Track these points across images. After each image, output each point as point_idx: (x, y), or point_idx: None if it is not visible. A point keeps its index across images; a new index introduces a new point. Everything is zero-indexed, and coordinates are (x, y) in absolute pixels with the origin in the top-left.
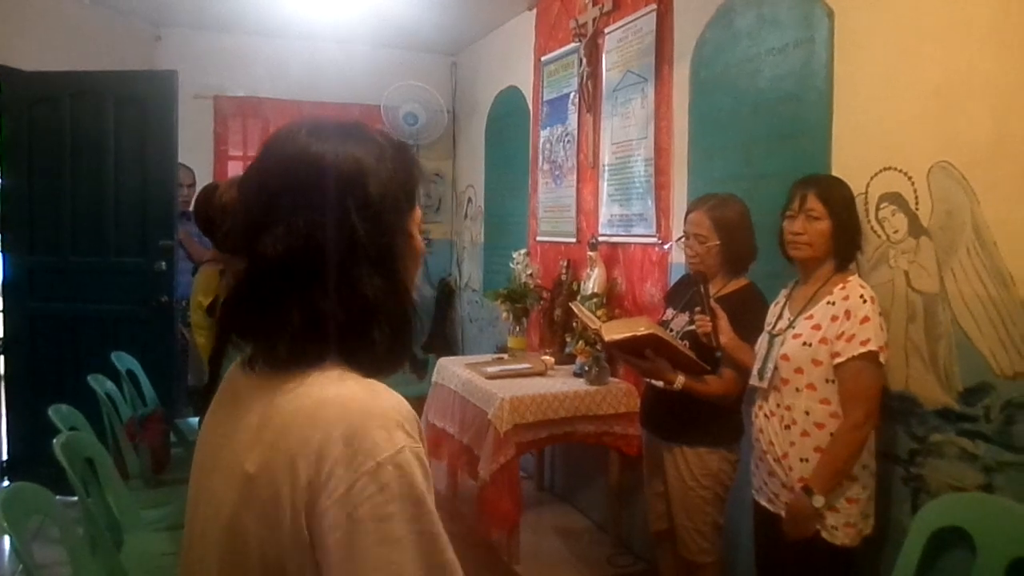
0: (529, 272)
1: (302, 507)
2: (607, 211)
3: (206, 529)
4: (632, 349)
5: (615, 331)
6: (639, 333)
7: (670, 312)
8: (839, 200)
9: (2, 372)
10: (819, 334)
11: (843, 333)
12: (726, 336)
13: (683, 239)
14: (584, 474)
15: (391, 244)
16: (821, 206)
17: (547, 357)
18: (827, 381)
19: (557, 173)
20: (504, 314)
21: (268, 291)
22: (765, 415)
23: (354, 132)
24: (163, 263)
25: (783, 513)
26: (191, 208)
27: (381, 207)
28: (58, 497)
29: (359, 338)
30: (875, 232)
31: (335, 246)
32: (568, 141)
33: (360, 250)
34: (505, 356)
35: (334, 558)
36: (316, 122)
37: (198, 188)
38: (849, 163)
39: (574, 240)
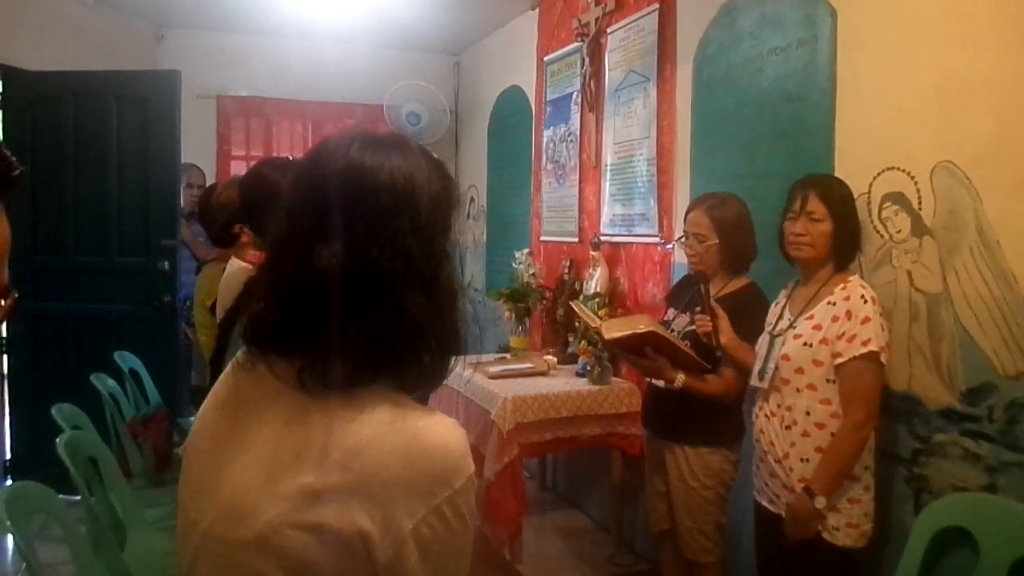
0: (532, 272)
1: (373, 530)
2: (609, 211)
3: (212, 539)
4: (632, 347)
5: (615, 329)
6: (639, 331)
7: (671, 312)
8: (840, 201)
9: (6, 371)
10: (820, 334)
11: (844, 333)
12: (726, 336)
13: (683, 238)
14: (586, 474)
15: (440, 266)
16: (823, 207)
17: (550, 357)
18: (828, 381)
19: (560, 173)
20: (507, 314)
21: (323, 307)
22: (766, 416)
23: (403, 148)
24: (166, 263)
25: (784, 514)
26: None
27: (433, 230)
28: (61, 496)
29: (411, 359)
30: (878, 232)
31: (392, 266)
32: (571, 141)
33: (413, 271)
34: (508, 356)
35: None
36: (366, 136)
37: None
38: (852, 163)
39: (577, 240)
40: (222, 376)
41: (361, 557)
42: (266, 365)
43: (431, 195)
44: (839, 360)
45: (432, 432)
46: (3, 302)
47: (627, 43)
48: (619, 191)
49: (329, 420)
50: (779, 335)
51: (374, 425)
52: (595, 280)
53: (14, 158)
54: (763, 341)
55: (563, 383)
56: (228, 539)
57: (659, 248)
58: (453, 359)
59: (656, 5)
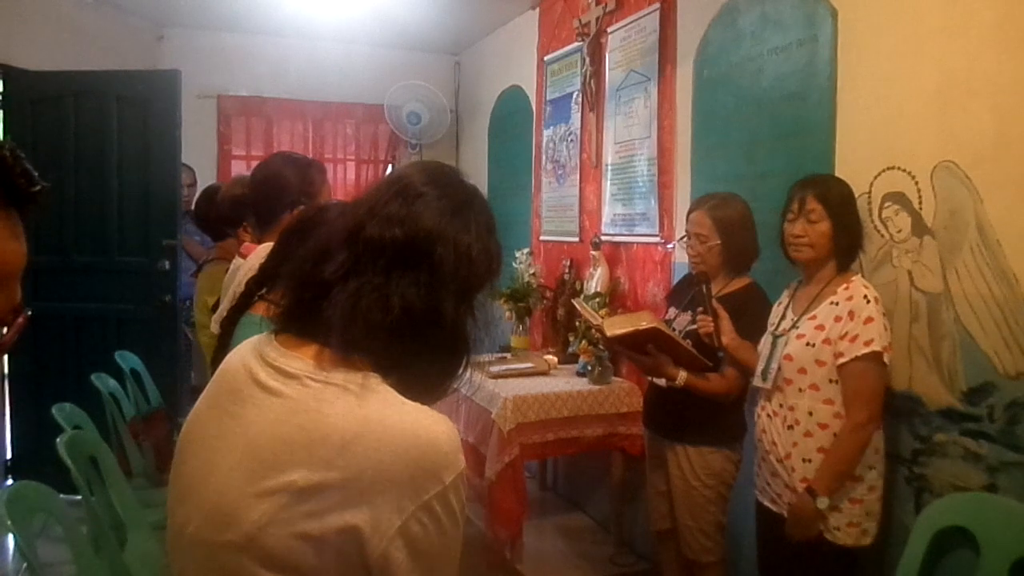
0: (532, 271)
1: (362, 527)
2: (610, 210)
3: (199, 543)
4: (634, 344)
5: (617, 326)
6: (642, 327)
7: (673, 312)
8: (838, 200)
9: (6, 371)
10: (823, 334)
11: (847, 333)
12: (728, 336)
13: (685, 239)
14: (587, 474)
15: (465, 324)
16: (821, 207)
17: (550, 356)
18: (830, 381)
19: (560, 172)
20: (507, 313)
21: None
22: (768, 415)
23: (469, 210)
24: (166, 263)
25: (786, 514)
26: (192, 209)
27: (469, 294)
28: (62, 496)
29: (415, 364)
30: (879, 232)
31: (422, 319)
32: (571, 140)
33: (444, 323)
34: (508, 355)
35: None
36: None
37: (200, 188)
38: (852, 162)
39: (577, 239)
40: (211, 380)
41: (350, 554)
42: (259, 359)
43: (482, 266)
44: (842, 360)
45: (421, 426)
46: (19, 319)
47: (628, 43)
48: (620, 191)
49: (315, 416)
50: (782, 335)
51: (361, 419)
52: (595, 280)
53: (36, 173)
54: (766, 341)
55: (564, 383)
56: (215, 543)
57: (660, 248)
58: (448, 387)
59: (657, 5)
